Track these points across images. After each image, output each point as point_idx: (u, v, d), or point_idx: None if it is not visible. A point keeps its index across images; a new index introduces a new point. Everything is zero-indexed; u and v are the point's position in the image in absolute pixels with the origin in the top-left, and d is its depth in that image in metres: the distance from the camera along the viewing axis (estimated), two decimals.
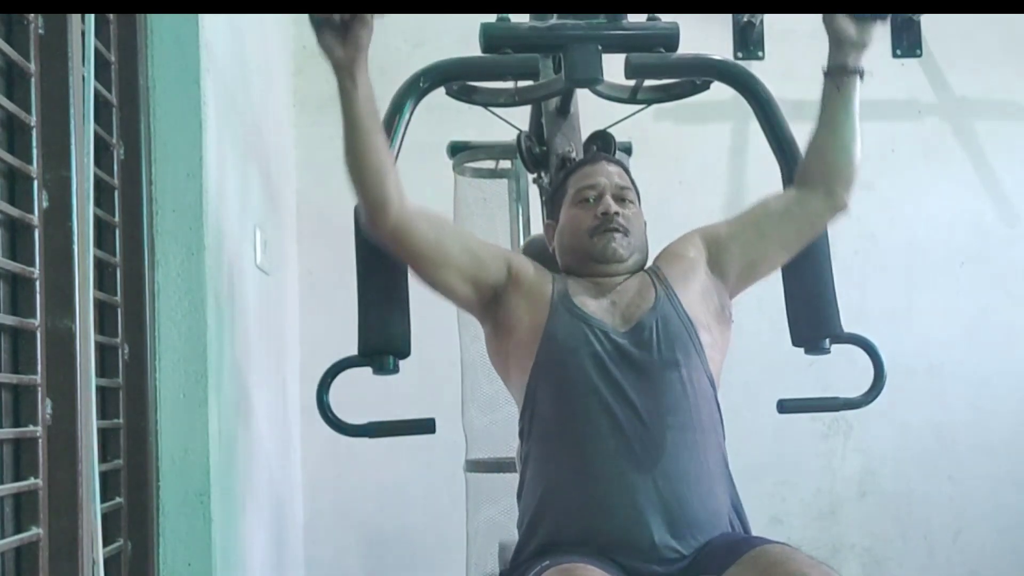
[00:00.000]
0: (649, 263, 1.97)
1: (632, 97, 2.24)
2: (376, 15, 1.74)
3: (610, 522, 1.72)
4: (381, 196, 1.80)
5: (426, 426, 2.08)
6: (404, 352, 2.01)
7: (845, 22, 1.86)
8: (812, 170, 1.93)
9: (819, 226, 1.98)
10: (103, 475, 1.69)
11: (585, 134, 2.35)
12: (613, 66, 2.10)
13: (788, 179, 2.10)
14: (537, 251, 2.15)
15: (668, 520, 1.71)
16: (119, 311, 1.94)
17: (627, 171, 2.00)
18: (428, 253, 1.86)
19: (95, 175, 1.76)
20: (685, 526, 1.72)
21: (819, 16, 1.90)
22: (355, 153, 1.79)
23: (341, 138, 1.79)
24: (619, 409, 1.75)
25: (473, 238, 2.00)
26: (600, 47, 2.06)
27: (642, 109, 2.27)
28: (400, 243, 1.86)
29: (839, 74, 1.89)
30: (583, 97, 2.29)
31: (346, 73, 1.75)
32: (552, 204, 2.04)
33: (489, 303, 1.90)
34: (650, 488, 1.72)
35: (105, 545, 1.67)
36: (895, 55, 3.62)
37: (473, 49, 2.16)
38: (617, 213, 1.90)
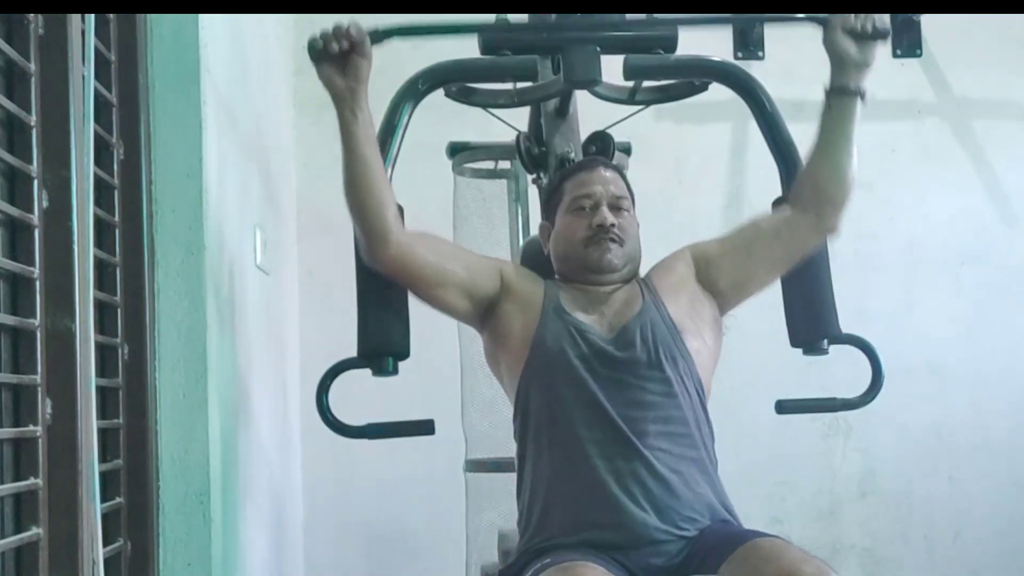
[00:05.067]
0: (642, 272, 1.98)
1: (631, 98, 2.24)
2: (375, 43, 1.77)
3: (598, 507, 1.76)
4: (382, 227, 1.83)
5: (425, 427, 2.08)
6: (403, 354, 2.01)
7: (846, 42, 1.85)
8: (804, 191, 1.94)
9: (808, 247, 1.98)
10: (103, 475, 1.68)
11: (584, 135, 2.35)
12: (612, 67, 2.10)
13: (786, 181, 2.10)
14: (536, 252, 2.15)
15: (653, 503, 1.76)
16: (119, 311, 1.94)
17: (623, 176, 2.01)
18: (428, 276, 1.90)
19: (95, 175, 1.76)
20: (671, 508, 1.76)
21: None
22: (355, 185, 1.82)
23: (341, 169, 1.81)
24: (605, 402, 1.80)
25: (468, 254, 2.03)
26: (599, 48, 2.06)
27: (640, 110, 2.27)
28: (401, 270, 1.90)
29: (839, 95, 1.88)
30: (582, 98, 2.29)
31: (346, 104, 1.78)
32: (548, 206, 2.05)
33: (485, 314, 1.94)
34: (635, 472, 1.76)
35: (105, 545, 1.67)
36: (895, 55, 3.61)
37: (472, 51, 2.16)
38: (613, 225, 1.91)
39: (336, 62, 1.75)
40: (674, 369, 1.83)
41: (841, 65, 1.87)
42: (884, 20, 1.86)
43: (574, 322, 1.86)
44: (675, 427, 1.81)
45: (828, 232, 1.96)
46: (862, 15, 1.85)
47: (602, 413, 1.79)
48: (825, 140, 1.90)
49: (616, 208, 1.93)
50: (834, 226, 1.94)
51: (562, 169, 2.14)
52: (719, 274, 1.95)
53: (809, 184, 1.93)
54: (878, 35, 1.86)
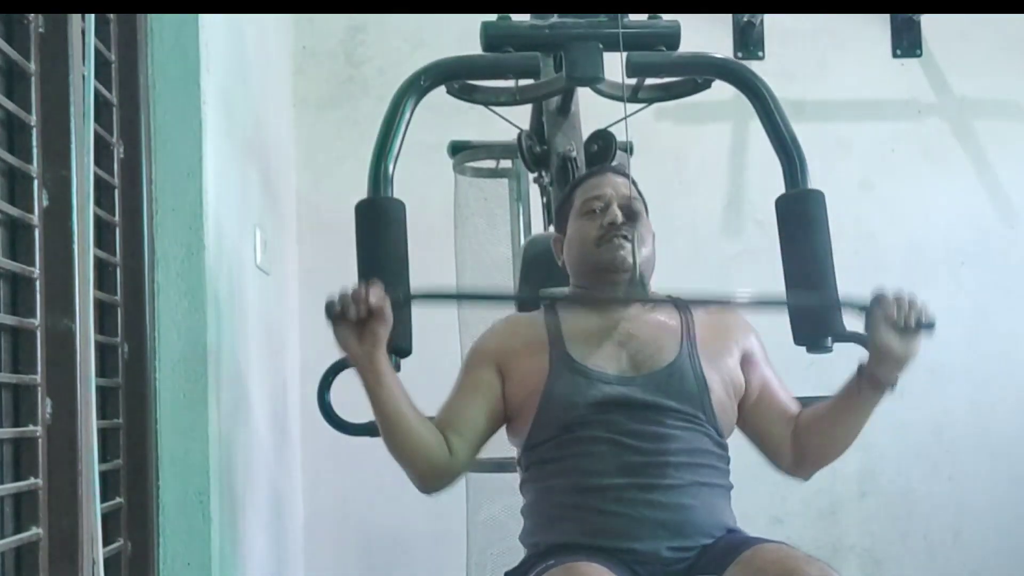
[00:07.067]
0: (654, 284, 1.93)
1: (633, 96, 2.24)
2: (394, 315, 1.70)
3: (614, 537, 1.72)
4: (430, 468, 1.82)
5: None
6: (405, 351, 2.00)
7: (890, 336, 1.69)
8: (799, 438, 1.86)
9: (769, 459, 1.91)
10: (103, 475, 1.68)
11: (586, 133, 2.35)
12: (614, 65, 2.10)
13: (789, 177, 2.10)
14: (537, 252, 2.15)
15: (672, 531, 1.73)
16: (119, 311, 1.94)
17: (634, 182, 1.97)
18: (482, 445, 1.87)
19: (95, 175, 1.75)
20: (689, 534, 1.74)
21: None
22: (395, 443, 1.79)
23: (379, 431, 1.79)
24: (620, 436, 1.75)
25: (473, 391, 1.88)
26: (601, 46, 2.06)
27: (643, 108, 2.27)
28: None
29: (871, 386, 1.75)
30: (583, 96, 2.29)
31: (366, 371, 1.72)
32: (559, 217, 2.00)
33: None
34: (652, 502, 1.73)
35: (105, 545, 1.67)
36: (895, 55, 3.61)
37: (473, 49, 2.16)
38: (624, 223, 1.86)
39: (353, 326, 1.69)
40: (695, 419, 1.79)
41: (880, 357, 1.71)
42: (930, 312, 1.71)
43: (584, 370, 1.80)
44: (699, 458, 1.78)
45: (794, 477, 1.90)
46: (907, 303, 1.71)
47: (616, 444, 1.75)
48: (838, 420, 1.82)
49: (628, 209, 1.88)
50: (803, 478, 1.90)
51: (566, 169, 2.14)
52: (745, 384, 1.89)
53: (805, 435, 1.86)
54: (922, 328, 1.70)
